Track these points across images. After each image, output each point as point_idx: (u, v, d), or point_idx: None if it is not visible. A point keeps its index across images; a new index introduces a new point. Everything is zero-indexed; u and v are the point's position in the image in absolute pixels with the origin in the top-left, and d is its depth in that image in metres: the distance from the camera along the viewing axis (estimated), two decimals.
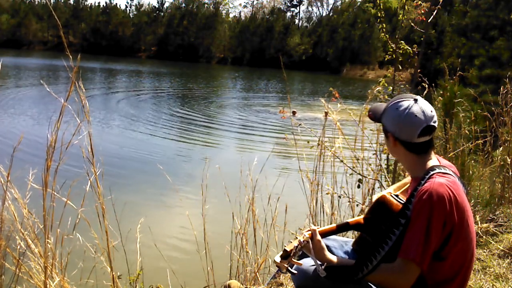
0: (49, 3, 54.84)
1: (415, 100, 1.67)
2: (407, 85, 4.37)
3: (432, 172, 1.63)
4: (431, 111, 1.65)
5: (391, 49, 4.16)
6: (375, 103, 1.87)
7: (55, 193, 2.24)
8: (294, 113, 13.66)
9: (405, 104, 1.66)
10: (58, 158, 2.21)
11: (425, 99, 1.72)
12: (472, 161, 4.22)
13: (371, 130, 4.20)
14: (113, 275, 2.45)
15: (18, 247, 2.29)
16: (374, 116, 1.77)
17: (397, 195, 1.83)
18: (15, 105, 14.62)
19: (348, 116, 4.14)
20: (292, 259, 1.64)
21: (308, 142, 4.14)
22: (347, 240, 2.00)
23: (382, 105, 1.77)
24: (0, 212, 2.26)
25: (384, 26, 4.27)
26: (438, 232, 1.54)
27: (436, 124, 1.65)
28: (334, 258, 1.70)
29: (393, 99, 1.73)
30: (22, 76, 23.76)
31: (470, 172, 4.11)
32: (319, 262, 1.64)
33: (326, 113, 3.99)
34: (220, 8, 54.97)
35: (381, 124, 1.76)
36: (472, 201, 3.90)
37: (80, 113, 2.27)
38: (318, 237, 1.72)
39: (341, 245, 1.94)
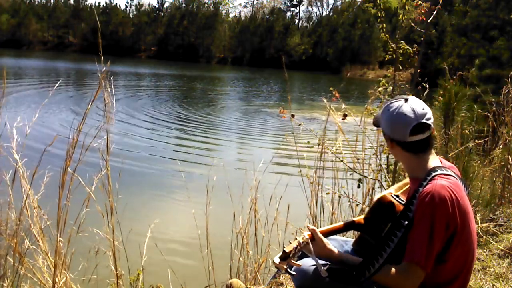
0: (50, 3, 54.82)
1: (406, 100, 1.67)
2: (407, 85, 4.37)
3: (433, 174, 1.62)
4: (423, 109, 1.65)
5: (391, 49, 4.15)
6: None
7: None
8: (293, 116, 13.64)
9: (395, 104, 1.68)
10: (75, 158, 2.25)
11: (425, 99, 1.73)
12: (473, 162, 4.21)
13: (371, 130, 4.21)
14: (117, 274, 2.46)
15: (29, 243, 2.31)
16: (376, 122, 1.80)
17: (397, 196, 1.83)
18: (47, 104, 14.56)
19: (348, 115, 4.14)
20: (291, 260, 1.64)
21: (308, 142, 4.14)
22: (347, 240, 2.01)
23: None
24: (19, 212, 2.29)
25: (384, 26, 4.27)
26: (441, 235, 1.54)
27: (430, 122, 1.64)
28: (338, 252, 1.70)
29: (386, 102, 1.74)
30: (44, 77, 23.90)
31: (472, 172, 4.11)
32: (320, 262, 1.63)
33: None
34: (220, 8, 55.05)
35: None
36: (473, 201, 3.90)
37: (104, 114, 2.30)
38: (319, 235, 1.72)
39: (341, 245, 1.94)
